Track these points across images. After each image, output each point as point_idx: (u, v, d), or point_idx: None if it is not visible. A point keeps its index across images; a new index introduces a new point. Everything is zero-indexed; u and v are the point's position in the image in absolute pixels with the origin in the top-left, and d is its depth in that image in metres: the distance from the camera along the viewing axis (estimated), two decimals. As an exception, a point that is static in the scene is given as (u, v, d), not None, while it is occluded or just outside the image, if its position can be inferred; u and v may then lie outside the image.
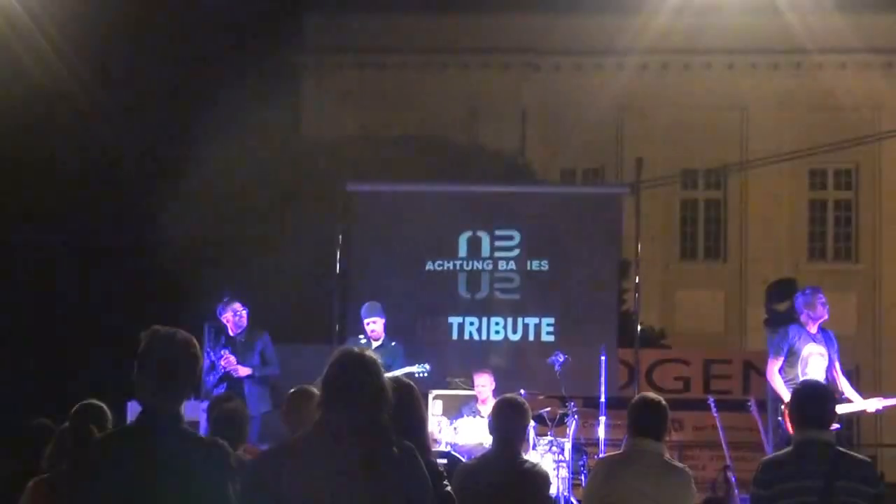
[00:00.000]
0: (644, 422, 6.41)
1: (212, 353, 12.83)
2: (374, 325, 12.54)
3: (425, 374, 12.53)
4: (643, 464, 6.33)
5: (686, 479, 6.43)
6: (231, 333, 12.73)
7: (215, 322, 15.28)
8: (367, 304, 12.97)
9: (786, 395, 11.26)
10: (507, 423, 6.26)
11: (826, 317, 11.61)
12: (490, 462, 6.33)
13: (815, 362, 11.41)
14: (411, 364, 12.52)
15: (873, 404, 11.66)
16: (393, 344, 12.58)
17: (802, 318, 11.64)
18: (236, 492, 4.30)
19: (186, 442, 4.34)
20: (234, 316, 12.70)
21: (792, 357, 11.47)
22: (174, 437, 4.33)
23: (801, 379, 11.26)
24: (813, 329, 11.56)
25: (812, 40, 30.17)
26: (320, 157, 23.20)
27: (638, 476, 6.29)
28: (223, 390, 12.28)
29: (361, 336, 12.59)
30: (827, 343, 11.55)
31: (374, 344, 12.38)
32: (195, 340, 4.55)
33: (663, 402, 6.57)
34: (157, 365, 4.43)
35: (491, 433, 6.42)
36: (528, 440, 12.24)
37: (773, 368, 11.52)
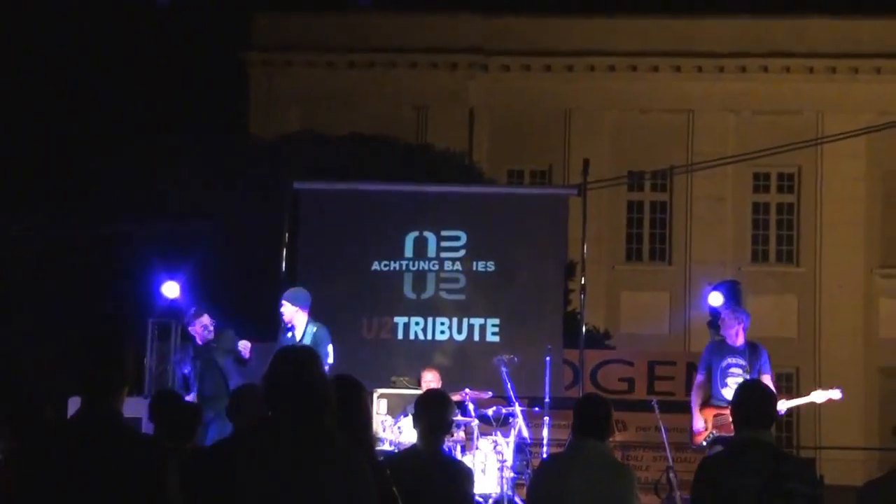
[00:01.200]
0: (588, 421, 6.44)
1: (182, 365, 12.74)
2: (283, 309, 12.37)
3: (322, 327, 12.29)
4: (587, 463, 6.36)
5: (629, 478, 6.47)
6: (199, 343, 12.59)
7: (159, 319, 15.24)
8: (290, 290, 12.81)
9: (696, 421, 11.54)
10: (431, 416, 6.28)
11: (732, 329, 11.72)
12: (414, 455, 6.35)
13: (733, 373, 11.57)
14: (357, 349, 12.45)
15: (819, 396, 11.88)
16: (315, 329, 12.38)
17: (722, 332, 11.90)
18: (174, 490, 4.29)
19: (122, 440, 4.32)
20: (202, 330, 12.58)
21: (709, 374, 11.77)
22: (110, 436, 4.31)
23: (719, 390, 11.56)
24: (738, 342, 11.71)
25: (757, 44, 30.48)
26: (268, 156, 23.09)
27: (581, 475, 6.32)
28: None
29: (289, 332, 12.43)
30: (750, 355, 11.64)
31: (298, 333, 12.24)
32: (126, 337, 4.54)
33: (607, 401, 6.62)
34: (90, 362, 4.41)
35: (415, 427, 6.43)
36: (455, 433, 12.27)
37: (694, 387, 12.03)
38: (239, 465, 4.42)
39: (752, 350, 11.72)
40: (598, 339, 23.73)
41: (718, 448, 5.93)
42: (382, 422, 12.35)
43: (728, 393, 11.48)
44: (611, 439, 6.64)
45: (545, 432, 13.03)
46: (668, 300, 30.24)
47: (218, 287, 18.91)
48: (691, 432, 11.93)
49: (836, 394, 11.85)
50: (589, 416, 6.46)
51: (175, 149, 24.00)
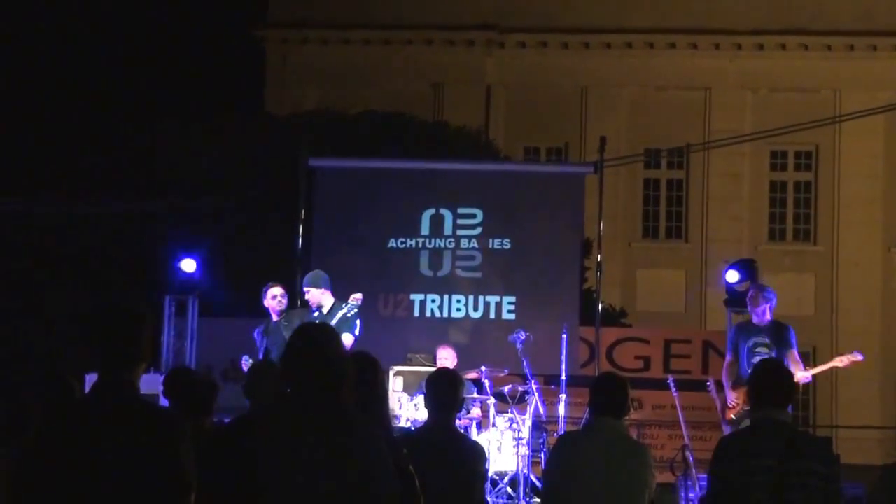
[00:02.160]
0: (604, 399, 6.46)
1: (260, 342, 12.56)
2: (308, 296, 12.34)
3: (355, 311, 12.14)
4: (603, 440, 6.38)
5: (645, 456, 6.49)
6: (273, 318, 12.41)
7: (176, 296, 15.27)
8: (307, 275, 12.77)
9: (729, 396, 11.58)
10: (442, 394, 6.30)
11: (759, 307, 11.74)
12: (426, 433, 6.38)
13: (759, 352, 11.59)
14: (375, 326, 12.35)
15: (842, 360, 11.95)
16: (344, 309, 12.27)
17: (749, 310, 11.87)
18: (190, 464, 4.30)
19: (138, 412, 4.34)
20: (274, 302, 12.42)
21: (736, 354, 11.82)
22: (126, 408, 4.33)
23: (746, 370, 11.57)
24: (764, 320, 11.74)
25: (774, 21, 30.33)
26: (284, 133, 23.10)
27: (598, 452, 6.34)
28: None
29: (314, 311, 12.40)
30: (774, 333, 11.65)
31: (325, 310, 12.20)
32: (144, 311, 4.53)
33: (624, 380, 6.63)
34: (105, 335, 4.42)
35: (426, 406, 6.46)
36: (471, 409, 12.31)
37: (724, 367, 12.07)
38: (258, 441, 4.44)
39: (776, 328, 11.72)
40: (614, 317, 23.71)
41: (745, 427, 5.95)
42: (399, 399, 12.38)
43: None
44: (627, 417, 6.65)
45: (561, 410, 13.04)
46: (685, 278, 30.22)
47: (235, 263, 19.00)
48: (724, 407, 11.91)
49: (857, 357, 11.87)
50: (606, 394, 6.47)
51: (191, 126, 24.03)
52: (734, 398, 11.70)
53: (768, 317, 11.76)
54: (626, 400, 6.50)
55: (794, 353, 11.59)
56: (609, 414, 6.41)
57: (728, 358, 12.00)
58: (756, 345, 11.65)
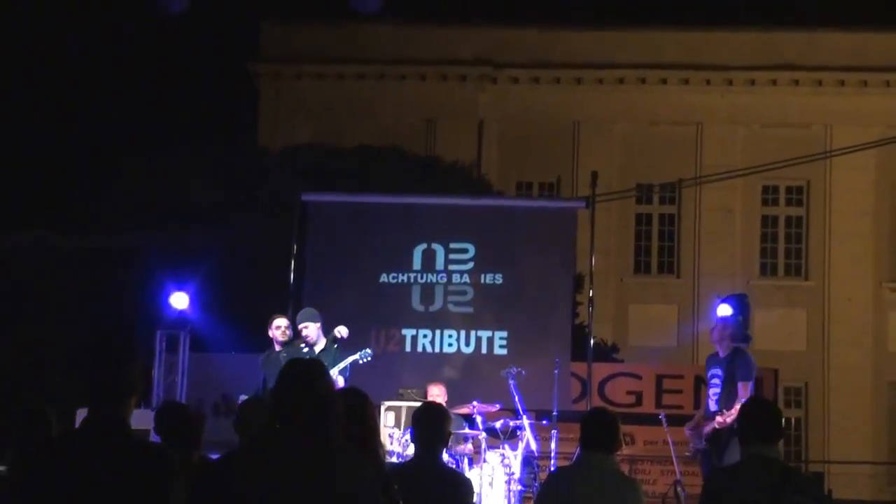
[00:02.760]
0: (595, 434, 6.44)
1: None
2: (307, 331, 12.40)
3: (369, 359, 12.40)
4: (593, 476, 6.36)
5: (636, 491, 6.47)
6: (276, 349, 12.45)
7: (167, 330, 15.25)
8: (301, 311, 12.84)
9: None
10: (428, 428, 6.28)
11: (715, 341, 11.69)
12: (414, 467, 6.36)
13: (714, 384, 11.57)
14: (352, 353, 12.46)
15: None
16: (335, 346, 12.41)
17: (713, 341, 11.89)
18: (180, 500, 4.29)
19: (128, 448, 4.32)
20: (278, 333, 12.46)
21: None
22: (116, 444, 4.31)
23: (707, 402, 11.54)
24: (722, 353, 11.66)
25: (765, 57, 30.48)
26: (276, 167, 23.13)
27: (588, 488, 6.31)
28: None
29: (303, 344, 12.44)
30: (730, 363, 11.55)
31: (318, 348, 12.28)
32: (133, 345, 4.52)
33: (615, 415, 6.61)
34: (96, 368, 4.41)
35: (413, 440, 6.44)
36: (463, 445, 12.28)
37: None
38: (245, 477, 4.43)
39: (731, 359, 11.59)
40: (606, 352, 23.72)
41: (736, 462, 5.93)
42: (390, 434, 12.34)
43: (711, 404, 11.50)
44: (618, 453, 6.63)
45: (553, 445, 13.01)
46: (677, 313, 30.21)
47: (227, 298, 18.97)
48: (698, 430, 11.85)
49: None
50: (596, 430, 6.46)
51: (184, 160, 24.05)
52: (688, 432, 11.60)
53: (722, 351, 11.68)
54: (617, 435, 6.48)
55: (740, 385, 11.48)
56: (600, 449, 6.39)
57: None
58: (712, 376, 11.62)
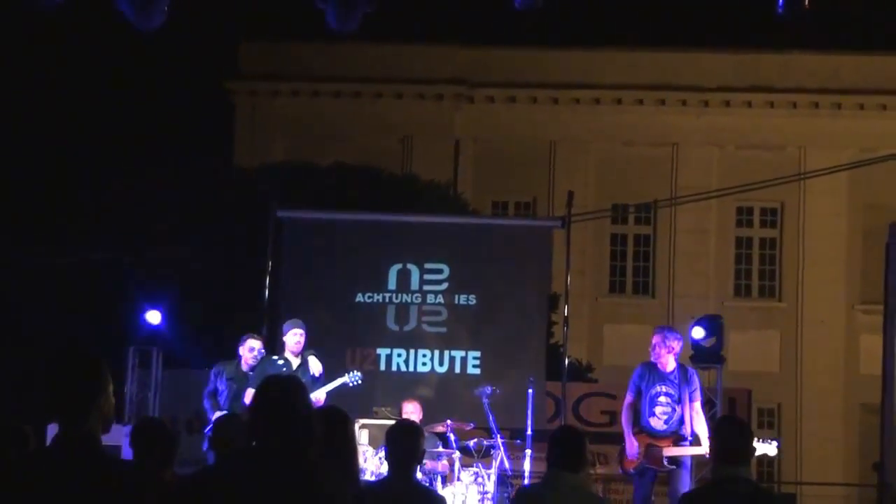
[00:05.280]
0: (562, 453, 6.46)
1: (218, 378, 12.57)
2: (302, 338, 12.43)
3: (359, 382, 12.51)
4: (560, 494, 6.37)
5: None
6: (244, 368, 12.42)
7: (140, 346, 15.20)
8: (289, 320, 12.83)
9: (629, 446, 11.38)
10: (401, 446, 6.28)
11: (663, 356, 11.48)
12: (387, 486, 6.36)
13: (661, 402, 11.42)
14: (339, 375, 12.51)
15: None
16: (311, 357, 12.41)
17: (652, 358, 11.62)
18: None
19: (101, 465, 4.30)
20: (249, 353, 12.44)
21: (639, 397, 11.50)
22: (88, 461, 4.28)
23: (647, 419, 11.38)
24: (668, 367, 11.49)
25: (741, 78, 30.66)
26: (252, 185, 23.10)
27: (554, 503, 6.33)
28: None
29: (277, 357, 12.44)
30: (681, 382, 11.46)
31: (295, 362, 12.26)
32: (99, 360, 4.48)
33: (581, 433, 6.64)
34: (59, 386, 4.39)
35: (387, 458, 6.44)
36: (437, 464, 12.28)
37: (624, 407, 11.65)
38: (219, 495, 4.41)
39: (682, 376, 11.45)
40: (580, 372, 23.73)
41: (707, 483, 5.94)
42: (364, 452, 12.33)
43: (655, 422, 11.39)
44: (592, 472, 6.65)
45: (527, 465, 13.00)
46: (651, 333, 30.22)
47: (201, 315, 18.93)
48: (623, 456, 11.62)
49: (770, 448, 11.25)
50: (563, 449, 6.47)
51: (159, 177, 23.99)
52: (635, 450, 11.47)
53: (672, 364, 11.54)
54: (584, 453, 6.50)
55: (698, 405, 11.45)
56: (567, 468, 6.40)
57: (629, 398, 11.53)
58: (658, 394, 11.40)
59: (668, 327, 12.45)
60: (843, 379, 29.90)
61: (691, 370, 11.78)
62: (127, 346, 15.28)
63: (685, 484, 11.23)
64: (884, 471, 13.88)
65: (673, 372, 11.50)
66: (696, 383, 11.55)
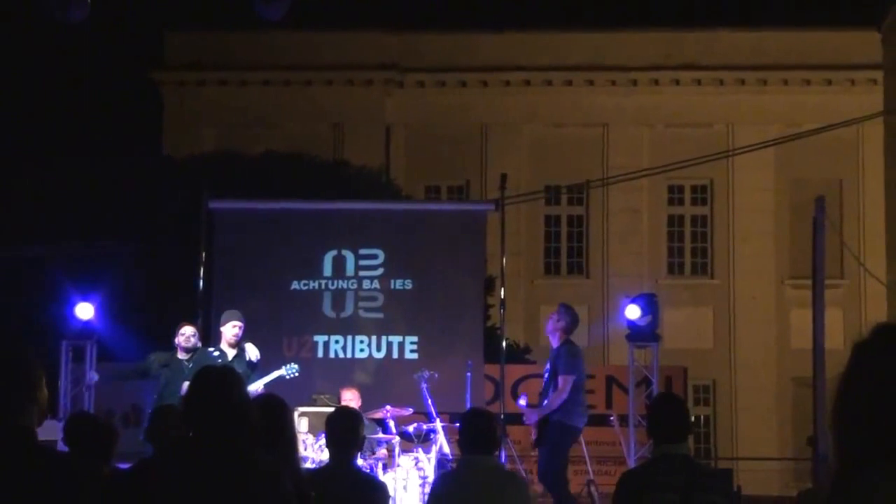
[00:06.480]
0: (473, 436, 6.50)
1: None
2: (241, 330, 12.38)
3: (296, 375, 12.50)
4: (475, 476, 6.41)
5: (520, 484, 6.57)
6: (179, 356, 12.32)
7: (73, 341, 15.03)
8: (227, 311, 12.76)
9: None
10: (341, 433, 6.29)
11: (549, 332, 11.83)
12: (328, 472, 6.36)
13: (544, 378, 11.71)
14: (276, 365, 12.50)
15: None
16: (248, 344, 12.37)
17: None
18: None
19: (37, 459, 4.25)
20: (183, 340, 12.32)
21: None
22: (24, 454, 4.24)
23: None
24: (554, 345, 11.82)
25: (668, 57, 30.87)
26: (182, 175, 22.91)
27: (471, 488, 6.37)
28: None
29: (212, 349, 12.39)
30: (554, 361, 11.73)
31: (231, 353, 12.21)
32: (29, 355, 4.43)
33: (491, 414, 6.71)
34: None
35: (327, 445, 6.44)
36: (376, 450, 12.30)
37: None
38: (158, 486, 4.38)
39: (558, 351, 11.73)
40: (518, 354, 23.82)
41: (646, 461, 6.01)
42: (304, 440, 12.30)
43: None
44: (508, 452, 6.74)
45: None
46: (587, 313, 30.28)
47: (134, 308, 18.75)
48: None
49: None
50: (474, 432, 6.51)
51: (87, 169, 23.72)
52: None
53: (554, 341, 11.78)
54: (495, 435, 6.57)
55: (560, 378, 11.57)
56: (480, 451, 6.44)
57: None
58: (546, 370, 11.78)
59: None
60: (775, 354, 30.27)
61: (565, 346, 11.83)
62: (60, 340, 15.10)
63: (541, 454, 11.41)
64: (818, 444, 14.06)
65: (553, 349, 11.81)
66: (562, 356, 11.69)
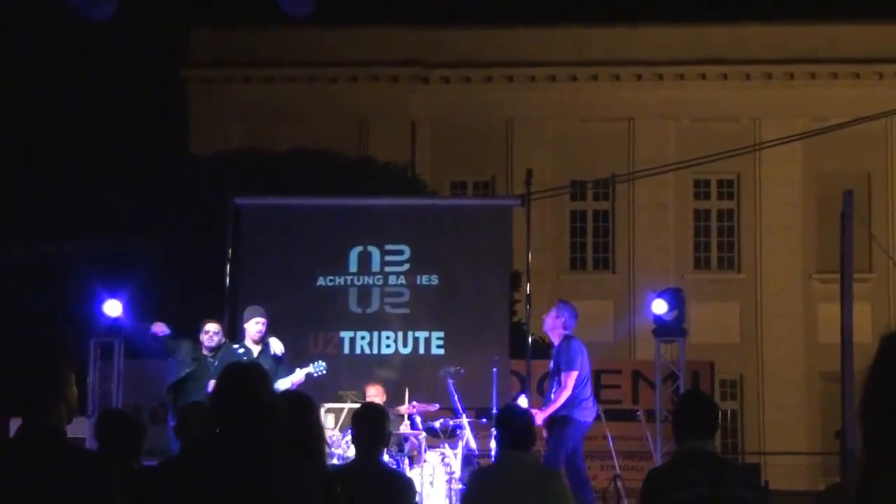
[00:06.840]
0: (510, 433, 6.49)
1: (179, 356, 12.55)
2: (264, 326, 12.42)
3: (323, 372, 12.53)
4: (514, 473, 6.40)
5: (559, 482, 6.54)
6: (204, 353, 12.38)
7: (101, 339, 15.10)
8: (249, 308, 12.81)
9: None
10: (368, 429, 6.30)
11: (547, 329, 11.85)
12: (354, 469, 6.37)
13: (550, 374, 11.69)
14: (304, 361, 12.53)
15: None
16: (276, 363, 12.40)
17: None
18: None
19: (67, 457, 4.28)
20: (205, 338, 12.39)
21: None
22: (54, 453, 4.27)
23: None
24: (555, 342, 11.83)
25: (694, 51, 30.76)
26: (208, 172, 22.98)
27: (510, 485, 6.36)
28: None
29: (237, 345, 12.42)
30: (557, 358, 11.73)
31: (256, 349, 12.25)
32: (58, 354, 4.47)
33: (527, 411, 6.70)
34: (24, 378, 4.37)
35: (353, 442, 6.46)
36: (403, 446, 12.32)
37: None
38: (186, 484, 4.40)
39: (559, 347, 11.71)
40: (544, 349, 23.72)
41: (673, 458, 5.99)
42: (330, 436, 12.33)
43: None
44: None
45: (493, 444, 12.99)
46: (613, 309, 30.37)
47: (162, 305, 18.80)
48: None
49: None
50: (510, 429, 6.51)
51: (115, 167, 23.83)
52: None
53: (555, 339, 11.74)
54: (531, 432, 6.56)
55: (563, 375, 11.52)
56: (517, 447, 6.44)
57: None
58: (550, 368, 11.73)
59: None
60: (802, 348, 30.14)
61: (567, 342, 11.81)
62: (88, 338, 15.17)
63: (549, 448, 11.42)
64: (846, 438, 14.00)
65: (555, 346, 11.84)
66: (564, 353, 11.67)
